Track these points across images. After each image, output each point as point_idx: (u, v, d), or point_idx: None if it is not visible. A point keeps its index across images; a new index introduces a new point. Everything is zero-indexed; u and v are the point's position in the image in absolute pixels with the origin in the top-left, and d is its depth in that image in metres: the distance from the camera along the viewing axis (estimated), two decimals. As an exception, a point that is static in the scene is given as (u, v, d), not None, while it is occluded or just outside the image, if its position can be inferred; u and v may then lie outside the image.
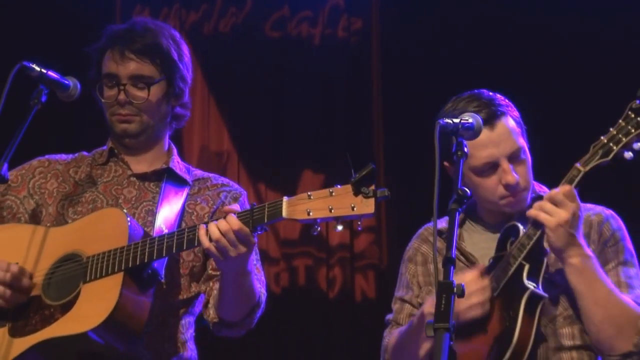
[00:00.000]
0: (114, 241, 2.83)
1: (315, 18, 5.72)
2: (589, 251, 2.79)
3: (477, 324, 2.81)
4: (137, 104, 3.06)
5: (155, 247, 2.78)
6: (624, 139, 2.73)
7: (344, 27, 5.71)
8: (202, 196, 3.14)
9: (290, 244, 5.59)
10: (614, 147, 2.73)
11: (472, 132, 2.60)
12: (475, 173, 2.91)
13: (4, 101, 2.76)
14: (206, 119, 5.69)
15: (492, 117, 2.88)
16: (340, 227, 2.61)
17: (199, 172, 3.23)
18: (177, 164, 3.17)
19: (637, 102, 2.73)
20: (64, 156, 3.24)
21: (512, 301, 2.78)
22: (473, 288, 2.77)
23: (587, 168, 2.76)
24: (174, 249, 2.78)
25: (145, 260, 2.78)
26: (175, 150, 3.21)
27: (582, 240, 2.78)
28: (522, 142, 2.94)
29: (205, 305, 3.06)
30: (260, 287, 3.00)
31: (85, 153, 3.24)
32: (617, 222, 2.99)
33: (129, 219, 2.87)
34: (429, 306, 2.82)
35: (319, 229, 2.62)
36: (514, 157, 2.91)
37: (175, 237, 2.78)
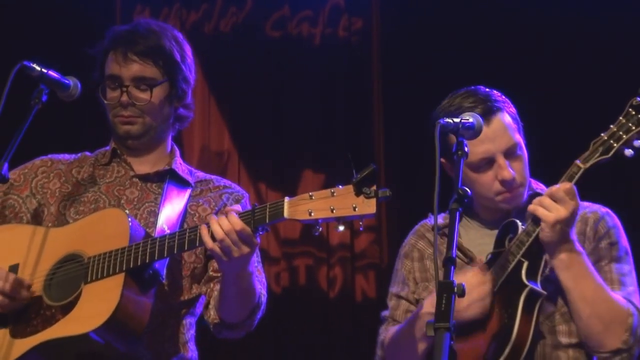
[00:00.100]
0: (115, 242, 2.83)
1: (316, 18, 5.72)
2: (579, 247, 2.79)
3: (476, 321, 2.81)
4: (140, 106, 3.05)
5: (157, 247, 2.78)
6: (624, 136, 2.73)
7: (344, 26, 5.71)
8: (204, 198, 3.13)
9: (290, 244, 5.59)
10: (614, 145, 2.74)
11: (473, 131, 2.61)
12: (471, 169, 2.91)
13: (5, 101, 2.76)
14: (207, 119, 5.69)
15: (488, 112, 2.88)
16: (341, 228, 2.61)
17: (201, 174, 3.23)
18: (180, 166, 3.17)
19: (638, 99, 2.74)
20: (66, 156, 3.24)
21: (511, 298, 2.78)
22: (474, 282, 2.78)
23: (587, 165, 2.76)
24: (175, 249, 2.78)
25: (147, 261, 2.78)
26: (177, 152, 3.20)
27: (573, 237, 2.78)
28: (519, 138, 2.94)
29: (206, 306, 3.06)
30: (260, 288, 3.00)
31: (88, 153, 3.24)
32: (612, 220, 2.98)
33: (130, 219, 2.87)
34: (429, 305, 2.82)
35: (320, 229, 2.63)
36: (510, 153, 2.91)
37: (177, 237, 2.78)
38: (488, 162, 2.90)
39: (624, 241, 2.97)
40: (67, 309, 2.82)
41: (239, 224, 2.68)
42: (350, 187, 2.57)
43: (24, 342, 2.83)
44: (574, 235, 2.79)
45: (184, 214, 3.05)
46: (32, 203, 3.12)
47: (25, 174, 3.16)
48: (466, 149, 2.54)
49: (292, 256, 5.58)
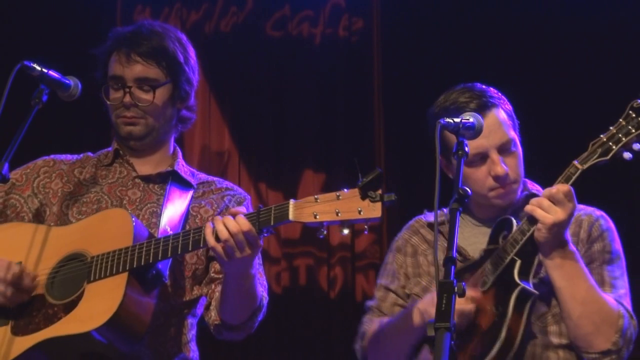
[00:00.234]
0: (118, 241, 2.83)
1: (316, 17, 5.73)
2: (572, 247, 2.79)
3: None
4: (143, 107, 3.05)
5: (161, 247, 2.78)
6: (623, 139, 2.71)
7: (344, 26, 5.72)
8: (206, 199, 3.13)
9: (291, 244, 5.60)
10: (613, 147, 2.71)
11: (473, 131, 2.61)
12: (465, 164, 2.90)
13: (5, 101, 2.76)
14: (207, 119, 5.70)
15: (483, 107, 2.88)
16: (346, 231, 2.61)
17: (203, 176, 3.23)
18: (182, 167, 3.17)
19: (638, 101, 2.72)
20: (69, 156, 3.24)
21: (502, 297, 2.78)
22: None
23: (585, 166, 2.73)
24: (179, 250, 2.78)
25: (150, 261, 2.78)
26: (180, 154, 3.20)
27: (568, 237, 2.78)
28: (513, 135, 2.94)
29: (207, 307, 3.06)
30: (262, 290, 3.00)
31: (90, 154, 3.24)
32: (606, 223, 2.98)
33: (134, 219, 2.87)
34: (427, 303, 2.82)
35: (325, 232, 2.63)
36: (504, 149, 2.90)
37: (181, 238, 2.78)
38: (481, 158, 2.89)
39: (617, 244, 2.96)
40: (69, 307, 2.82)
41: (246, 224, 2.68)
42: (356, 191, 2.58)
43: (25, 340, 2.83)
44: (568, 235, 2.79)
45: (186, 215, 3.05)
46: (33, 203, 3.12)
47: (27, 173, 3.16)
48: (466, 149, 2.54)
49: (293, 256, 5.59)
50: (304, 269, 5.58)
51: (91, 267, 2.84)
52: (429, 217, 3.14)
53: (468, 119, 2.60)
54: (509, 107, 2.98)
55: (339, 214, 2.59)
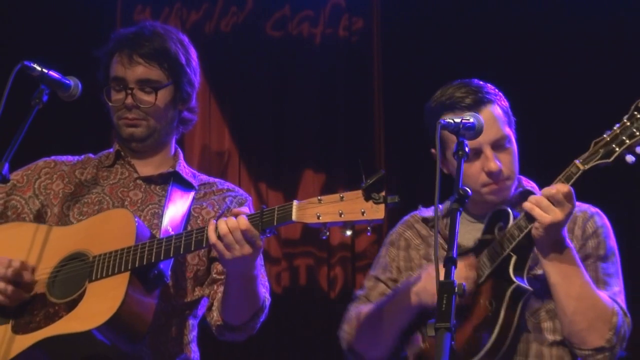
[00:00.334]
0: (121, 241, 2.83)
1: (316, 17, 5.73)
2: (569, 243, 2.78)
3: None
4: (144, 108, 3.05)
5: (163, 247, 2.79)
6: (627, 141, 2.67)
7: (344, 26, 5.72)
8: (207, 200, 3.14)
9: (291, 244, 5.60)
10: (617, 149, 2.67)
11: (474, 132, 2.61)
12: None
13: (5, 101, 2.76)
14: (207, 119, 5.70)
15: (478, 103, 2.88)
16: (349, 233, 2.61)
17: (204, 177, 3.23)
18: (184, 169, 3.17)
19: None
20: (70, 157, 3.24)
21: (497, 292, 2.78)
22: (457, 275, 2.77)
23: (587, 167, 2.70)
24: (182, 250, 2.78)
25: (153, 261, 2.79)
26: (181, 155, 3.21)
27: (565, 233, 2.77)
28: (508, 131, 2.93)
29: (209, 308, 3.06)
30: (264, 291, 3.01)
31: (91, 155, 3.24)
32: (601, 220, 2.97)
33: (136, 219, 2.87)
34: (421, 286, 2.82)
35: (328, 233, 2.63)
36: (499, 145, 2.90)
37: (183, 238, 2.79)
38: (475, 153, 2.87)
39: (612, 242, 2.95)
40: (71, 306, 2.83)
41: (245, 223, 2.69)
42: (359, 192, 2.58)
43: (26, 338, 2.83)
44: (566, 232, 2.78)
45: (188, 216, 3.05)
46: (35, 204, 3.12)
47: (29, 175, 3.16)
48: (467, 149, 2.54)
49: (293, 256, 5.59)
50: (304, 269, 5.58)
51: (93, 267, 2.84)
52: (424, 212, 3.14)
53: (468, 119, 2.59)
54: (505, 103, 2.97)
55: (342, 215, 2.59)
